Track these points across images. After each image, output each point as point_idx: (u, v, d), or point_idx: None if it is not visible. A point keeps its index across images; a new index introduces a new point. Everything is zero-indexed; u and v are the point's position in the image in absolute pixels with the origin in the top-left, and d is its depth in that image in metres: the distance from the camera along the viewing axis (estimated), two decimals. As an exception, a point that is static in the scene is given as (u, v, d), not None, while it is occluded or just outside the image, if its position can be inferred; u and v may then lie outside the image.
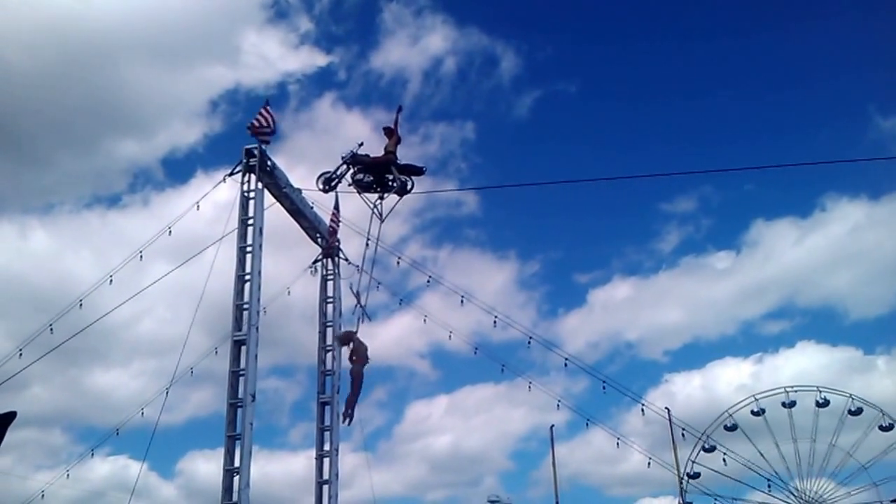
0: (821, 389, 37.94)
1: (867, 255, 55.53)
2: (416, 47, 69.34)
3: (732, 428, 37.63)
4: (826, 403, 37.64)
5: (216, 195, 18.81)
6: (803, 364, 51.26)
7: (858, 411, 37.30)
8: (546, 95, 70.26)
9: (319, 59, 66.65)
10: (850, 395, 37.90)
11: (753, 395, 38.69)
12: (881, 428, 37.02)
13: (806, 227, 62.08)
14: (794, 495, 36.53)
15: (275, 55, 61.19)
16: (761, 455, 36.77)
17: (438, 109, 69.38)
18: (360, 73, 69.41)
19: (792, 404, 38.18)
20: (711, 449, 34.33)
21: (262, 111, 18.30)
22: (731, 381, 51.69)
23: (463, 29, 72.40)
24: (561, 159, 66.01)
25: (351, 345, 18.31)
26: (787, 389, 38.58)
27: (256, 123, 18.17)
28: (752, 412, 38.09)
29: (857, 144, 58.58)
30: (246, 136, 18.37)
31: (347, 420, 18.70)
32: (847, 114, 66.17)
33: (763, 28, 68.69)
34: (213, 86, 59.29)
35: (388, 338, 44.90)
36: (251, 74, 57.16)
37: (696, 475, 35.68)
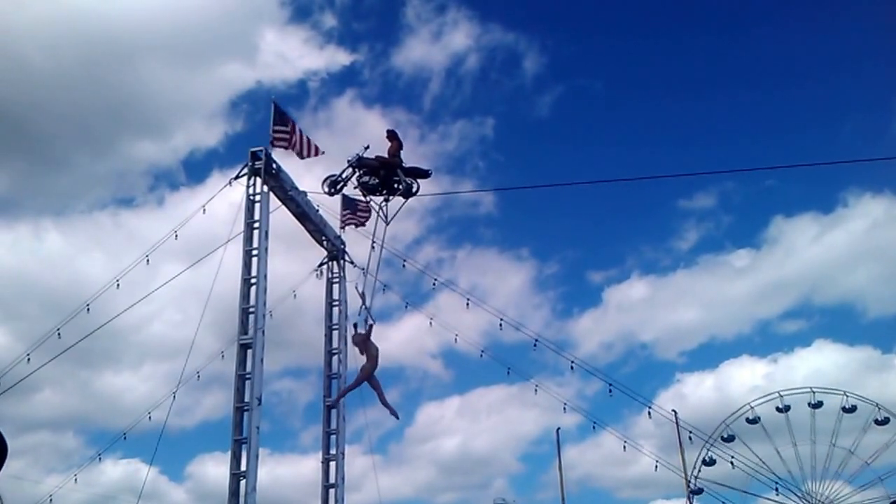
0: (814, 390, 38.46)
1: (887, 252, 54.70)
2: (438, 44, 68.61)
3: (752, 423, 37.87)
4: (819, 405, 38.09)
5: (230, 196, 18.65)
6: (819, 364, 50.65)
7: (852, 409, 37.82)
8: (569, 92, 69.14)
9: (343, 58, 66.13)
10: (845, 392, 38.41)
11: (775, 393, 38.94)
12: (877, 422, 37.57)
13: (827, 224, 60.99)
14: (803, 498, 36.35)
15: (295, 53, 60.96)
16: (793, 449, 37.16)
17: (459, 107, 68.62)
18: (380, 71, 68.87)
19: (790, 406, 38.43)
20: (714, 457, 34.51)
21: (283, 128, 18.26)
22: (745, 381, 51.10)
23: (486, 25, 71.69)
24: (582, 157, 65.16)
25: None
26: (786, 392, 38.89)
27: (292, 144, 18.27)
28: (755, 417, 38.33)
29: (880, 139, 57.58)
30: (264, 135, 18.44)
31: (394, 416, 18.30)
32: (870, 108, 64.94)
33: (786, 23, 67.48)
34: (233, 85, 58.96)
35: (399, 338, 44.63)
36: (271, 73, 56.90)
37: (700, 490, 35.67)
